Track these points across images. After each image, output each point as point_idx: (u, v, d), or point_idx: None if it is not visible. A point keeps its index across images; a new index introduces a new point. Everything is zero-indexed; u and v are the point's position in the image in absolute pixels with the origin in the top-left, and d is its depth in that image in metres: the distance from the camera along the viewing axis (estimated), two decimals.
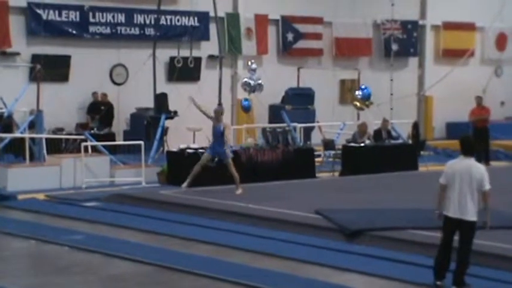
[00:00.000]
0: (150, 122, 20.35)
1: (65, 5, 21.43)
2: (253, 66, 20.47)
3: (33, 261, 10.95)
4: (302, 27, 25.18)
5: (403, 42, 26.82)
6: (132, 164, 18.07)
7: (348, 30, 25.94)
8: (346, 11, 25.81)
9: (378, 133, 19.88)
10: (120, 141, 20.62)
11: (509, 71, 29.35)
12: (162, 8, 21.38)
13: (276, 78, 23.29)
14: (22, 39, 21.03)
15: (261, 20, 24.47)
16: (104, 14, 21.92)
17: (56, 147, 18.66)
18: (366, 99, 21.78)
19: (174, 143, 19.04)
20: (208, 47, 23.09)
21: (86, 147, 17.31)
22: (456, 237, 9.12)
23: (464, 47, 26.96)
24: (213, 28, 22.19)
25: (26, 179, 16.19)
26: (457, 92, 26.47)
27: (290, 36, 25.10)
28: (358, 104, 21.91)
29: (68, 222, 13.24)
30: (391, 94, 23.36)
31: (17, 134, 18.39)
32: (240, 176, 16.30)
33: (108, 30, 22.00)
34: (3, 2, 20.62)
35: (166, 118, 19.96)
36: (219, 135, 15.43)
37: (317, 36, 25.44)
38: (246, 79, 20.54)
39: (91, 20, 21.73)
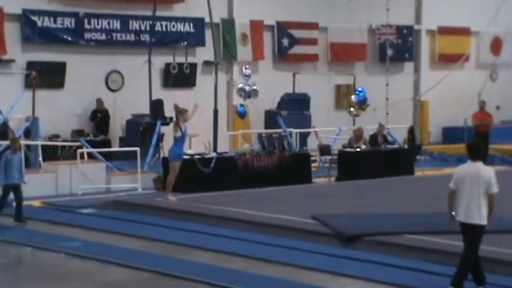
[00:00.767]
0: (146, 129, 20.35)
1: (60, 11, 21.43)
2: (248, 72, 20.49)
3: (29, 269, 10.94)
4: (297, 33, 25.22)
5: (398, 47, 26.87)
6: (128, 171, 18.07)
7: (343, 35, 25.98)
8: (341, 16, 25.86)
9: (373, 138, 19.91)
10: (116, 148, 20.62)
11: (504, 75, 29.43)
12: (158, 14, 21.40)
13: (272, 83, 23.31)
14: (17, 46, 21.02)
15: (256, 26, 24.51)
16: (99, 21, 21.92)
17: (51, 154, 18.63)
18: (362, 103, 21.83)
19: None
20: (204, 53, 23.11)
21: (82, 154, 17.31)
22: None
23: (459, 52, 27.04)
24: (208, 34, 22.21)
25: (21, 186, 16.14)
26: (453, 97, 26.53)
27: (285, 42, 25.13)
28: (353, 110, 21.95)
29: (64, 229, 13.24)
30: (387, 99, 23.44)
31: None
32: (236, 182, 16.38)
33: (103, 37, 22.00)
34: None
35: (162, 124, 19.97)
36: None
37: (312, 42, 25.48)
38: (241, 85, 20.58)
39: (86, 26, 21.73)
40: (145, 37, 22.28)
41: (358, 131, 19.73)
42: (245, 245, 11.67)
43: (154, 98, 20.87)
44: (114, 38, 22.17)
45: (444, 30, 27.88)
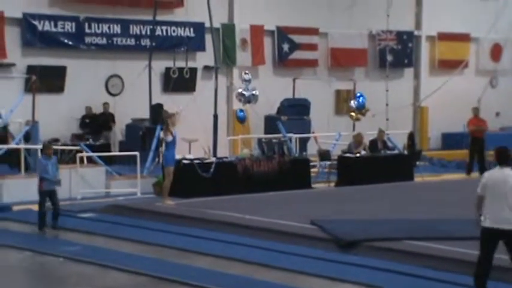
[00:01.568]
0: (145, 133, 20.35)
1: (60, 16, 21.47)
2: (247, 77, 20.51)
3: (29, 273, 10.93)
4: (298, 38, 25.25)
5: (398, 52, 26.90)
6: (127, 175, 18.07)
7: (344, 41, 26.02)
8: (341, 21, 25.90)
9: (373, 143, 19.91)
10: (115, 152, 20.63)
11: (504, 81, 29.44)
12: (158, 18, 21.43)
13: (272, 88, 23.33)
14: (17, 50, 21.05)
15: (257, 31, 24.54)
16: (100, 25, 21.95)
17: None
18: (361, 108, 21.84)
19: None
20: (204, 58, 23.14)
21: (81, 158, 17.30)
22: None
23: (459, 58, 27.09)
24: (208, 39, 22.23)
25: (21, 190, 16.11)
26: (453, 103, 26.55)
27: (286, 47, 25.16)
28: (354, 114, 21.96)
29: (63, 233, 13.23)
30: (387, 105, 23.44)
31: (12, 145, 18.36)
32: (236, 187, 16.36)
33: (103, 41, 22.03)
34: None
35: (162, 129, 19.96)
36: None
37: (312, 47, 25.51)
38: (240, 90, 20.59)
39: (87, 30, 21.77)
40: (146, 41, 22.31)
41: (358, 136, 19.74)
42: (244, 250, 11.66)
43: (154, 102, 20.89)
44: (115, 42, 22.20)
45: (444, 36, 27.91)
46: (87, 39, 21.81)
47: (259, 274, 10.37)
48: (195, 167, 16.72)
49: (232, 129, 23.86)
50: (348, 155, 19.20)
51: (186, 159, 17.00)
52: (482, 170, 21.00)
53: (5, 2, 20.71)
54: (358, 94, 22.14)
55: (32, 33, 21.03)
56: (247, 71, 21.02)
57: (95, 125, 21.64)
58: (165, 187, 15.39)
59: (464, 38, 28.23)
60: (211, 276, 10.22)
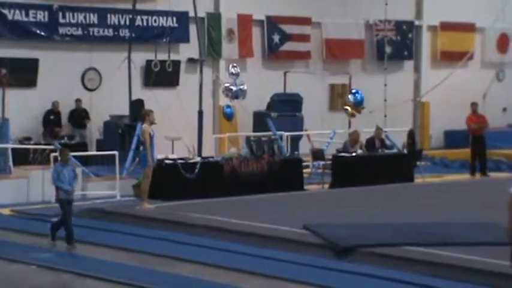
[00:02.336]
0: (125, 131, 20.37)
1: (32, 4, 21.43)
2: (236, 70, 20.55)
3: None
4: (289, 28, 25.30)
5: (397, 44, 26.99)
6: (105, 176, 18.08)
7: (339, 31, 26.07)
8: (335, 10, 25.96)
9: (370, 142, 20.00)
10: (92, 152, 20.63)
11: (511, 74, 29.55)
12: (138, 7, 21.44)
13: (261, 83, 23.39)
14: None
15: (245, 21, 24.57)
16: (75, 14, 21.93)
17: (23, 158, 18.62)
18: (359, 104, 21.91)
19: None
20: (188, 50, 23.16)
21: (55, 158, 17.29)
22: None
23: (463, 49, 27.19)
24: (193, 29, 22.27)
25: None
26: (456, 98, 26.62)
27: (276, 38, 25.21)
28: (349, 109, 22.02)
29: (35, 239, 13.24)
30: (385, 100, 23.50)
31: None
32: (223, 189, 16.39)
33: (79, 32, 22.02)
34: None
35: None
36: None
37: (305, 38, 25.56)
38: (227, 84, 20.62)
39: (61, 20, 21.74)
40: (125, 32, 22.30)
41: (354, 134, 19.82)
42: (231, 257, 11.71)
43: (134, 98, 20.90)
44: (91, 33, 22.19)
45: (447, 26, 28.01)
46: (62, 30, 21.79)
47: (248, 283, 10.42)
48: (179, 168, 16.76)
49: (218, 126, 23.90)
50: (343, 154, 19.27)
51: (168, 159, 17.03)
52: (484, 169, 21.18)
53: None
54: (354, 91, 22.24)
55: (1, 22, 20.99)
56: (235, 64, 21.06)
57: (57, 121, 21.46)
58: (143, 189, 15.42)
59: (468, 27, 28.33)
60: (196, 285, 10.27)
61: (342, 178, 18.71)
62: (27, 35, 21.42)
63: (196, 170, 16.88)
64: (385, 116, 23.51)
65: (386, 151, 20.02)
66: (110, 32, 22.44)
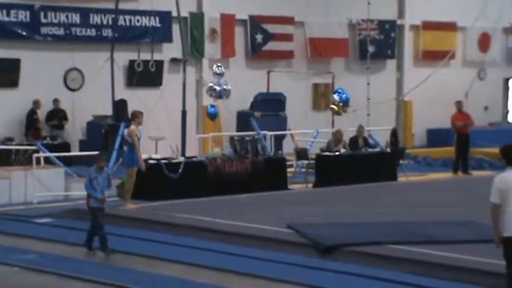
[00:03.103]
0: (108, 131, 20.30)
1: (13, 4, 21.30)
2: (219, 70, 20.51)
3: None
4: (272, 28, 25.29)
5: (380, 43, 27.04)
6: None
7: (322, 31, 26.07)
8: (318, 10, 25.96)
9: (354, 141, 20.01)
10: (75, 152, 20.53)
11: (493, 73, 29.69)
12: (120, 7, 21.34)
13: (244, 82, 23.35)
14: None
15: (228, 20, 24.54)
16: (57, 14, 21.83)
17: (4, 159, 18.52)
18: (344, 104, 21.94)
19: None
20: (171, 50, 23.09)
21: (38, 159, 17.20)
22: None
23: (445, 48, 27.27)
24: (175, 29, 22.19)
25: None
26: (438, 97, 26.73)
27: (259, 38, 25.18)
28: (335, 108, 22.05)
29: (18, 240, 13.15)
30: (368, 99, 23.55)
31: None
32: (207, 189, 16.33)
33: (61, 32, 21.91)
34: None
35: (126, 126, 19.82)
36: None
37: (288, 37, 25.56)
38: (211, 84, 20.58)
39: (42, 20, 21.63)
40: (108, 32, 22.22)
41: (338, 133, 19.82)
42: (216, 257, 11.68)
43: (117, 98, 20.84)
44: (73, 33, 22.09)
45: (429, 26, 28.10)
46: (43, 30, 21.68)
47: (233, 283, 10.40)
48: (162, 168, 16.70)
49: (202, 126, 23.86)
50: (326, 153, 19.27)
51: (152, 159, 16.96)
52: (465, 168, 21.27)
53: None
54: (339, 90, 22.23)
55: None
56: (219, 64, 21.03)
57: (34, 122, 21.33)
58: (127, 189, 15.36)
59: (450, 27, 28.44)
60: (181, 285, 10.23)
61: (326, 177, 18.71)
62: (9, 35, 21.29)
63: (180, 170, 16.82)
64: (368, 115, 23.57)
65: (370, 150, 20.04)
66: (92, 32, 22.35)
